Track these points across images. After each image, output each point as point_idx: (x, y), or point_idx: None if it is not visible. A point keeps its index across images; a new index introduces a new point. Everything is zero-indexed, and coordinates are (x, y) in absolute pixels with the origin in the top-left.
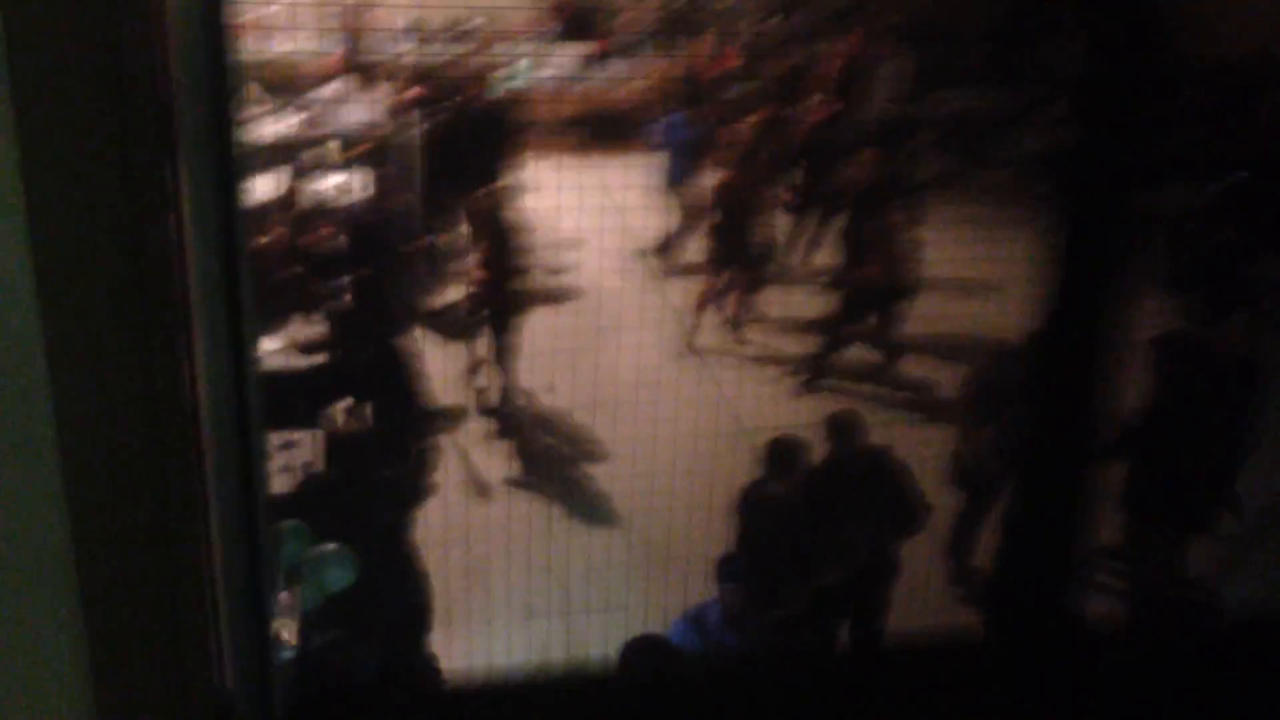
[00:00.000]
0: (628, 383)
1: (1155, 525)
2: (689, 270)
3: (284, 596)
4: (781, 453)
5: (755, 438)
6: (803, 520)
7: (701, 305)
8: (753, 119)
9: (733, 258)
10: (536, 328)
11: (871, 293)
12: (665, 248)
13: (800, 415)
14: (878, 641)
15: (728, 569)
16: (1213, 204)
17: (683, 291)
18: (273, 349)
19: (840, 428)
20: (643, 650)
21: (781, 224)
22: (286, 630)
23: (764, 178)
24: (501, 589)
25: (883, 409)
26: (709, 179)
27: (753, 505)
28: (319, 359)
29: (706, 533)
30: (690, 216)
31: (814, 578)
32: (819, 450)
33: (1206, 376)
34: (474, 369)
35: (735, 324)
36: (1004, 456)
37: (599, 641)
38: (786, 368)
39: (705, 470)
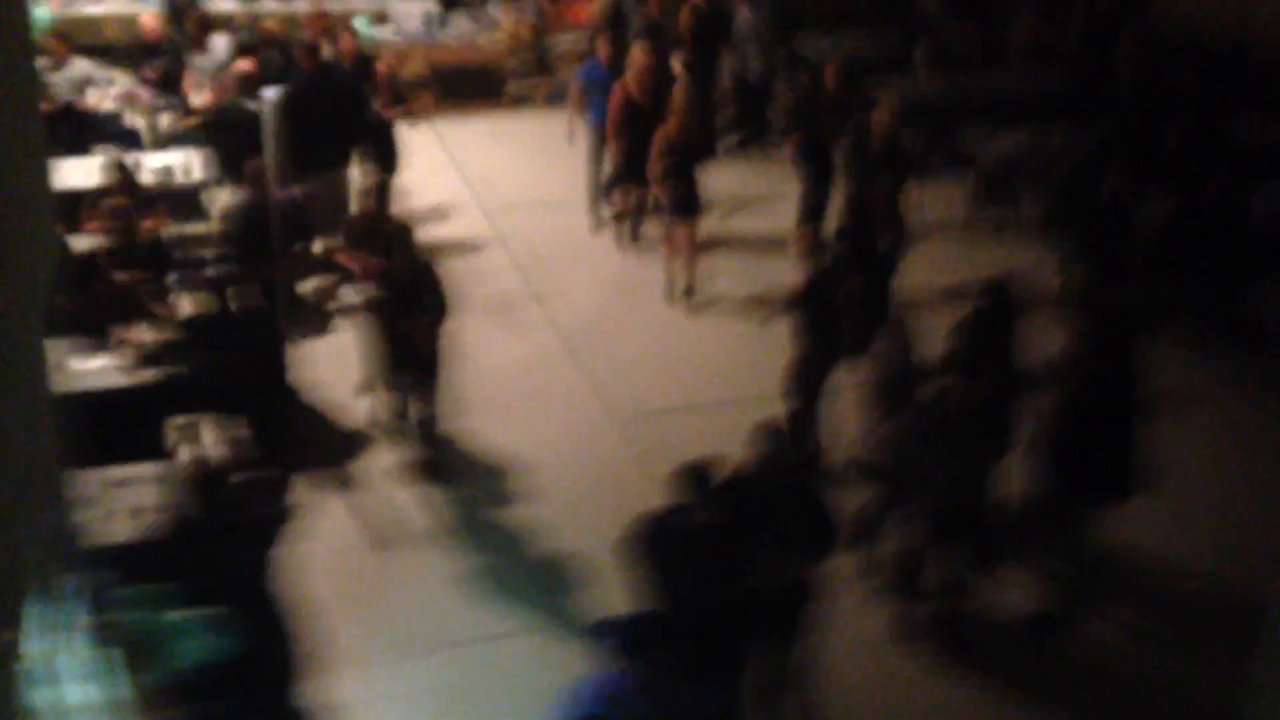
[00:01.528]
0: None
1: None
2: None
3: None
4: (695, 478)
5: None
6: (725, 551)
7: (669, 258)
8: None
9: (683, 208)
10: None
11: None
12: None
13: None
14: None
15: (625, 638)
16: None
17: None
18: (101, 363)
19: (759, 440)
20: None
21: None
22: None
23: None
24: (377, 623)
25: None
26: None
27: (663, 541)
28: (160, 372)
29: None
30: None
31: (736, 617)
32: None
33: None
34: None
35: (687, 290)
36: (910, 451)
37: (490, 677)
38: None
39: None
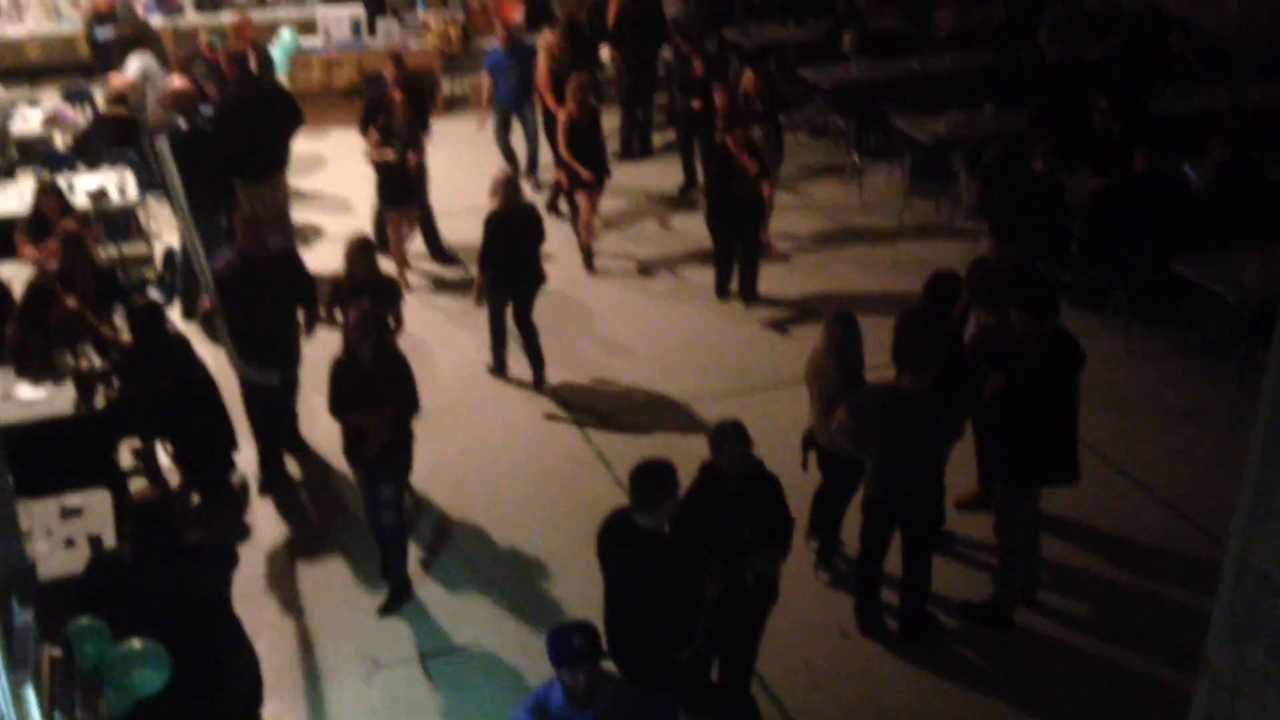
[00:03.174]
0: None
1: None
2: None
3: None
4: (650, 479)
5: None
6: (681, 559)
7: (586, 227)
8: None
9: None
10: None
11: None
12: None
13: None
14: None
15: (563, 651)
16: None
17: None
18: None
19: (728, 439)
20: None
21: None
22: None
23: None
24: (338, 643)
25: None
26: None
27: (619, 545)
28: (101, 397)
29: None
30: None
31: (691, 628)
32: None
33: None
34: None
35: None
36: (864, 438)
37: (456, 691)
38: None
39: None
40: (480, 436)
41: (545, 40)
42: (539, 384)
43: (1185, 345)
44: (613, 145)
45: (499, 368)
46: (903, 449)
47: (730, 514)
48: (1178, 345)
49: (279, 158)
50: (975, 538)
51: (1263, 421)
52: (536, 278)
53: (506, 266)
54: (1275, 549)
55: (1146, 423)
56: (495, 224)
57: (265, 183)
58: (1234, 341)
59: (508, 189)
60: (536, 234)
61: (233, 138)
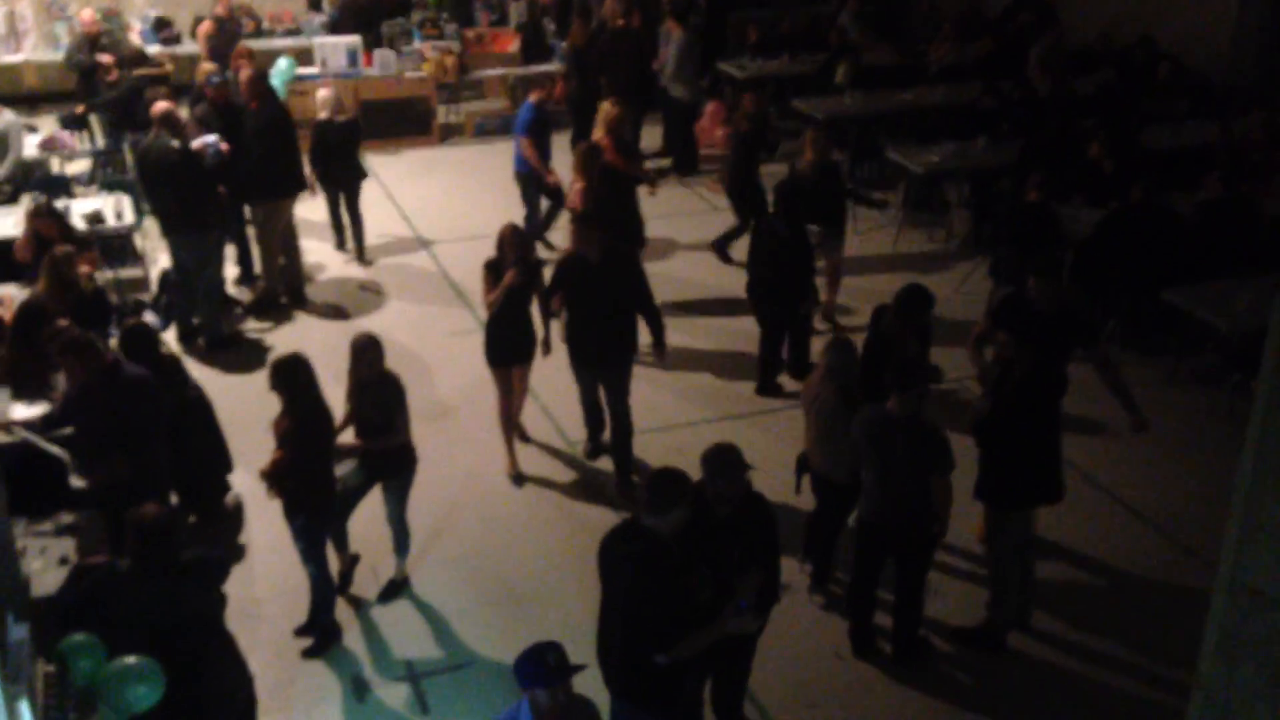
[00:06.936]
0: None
1: None
2: None
3: None
4: (667, 484)
5: None
6: (676, 564)
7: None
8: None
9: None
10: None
11: None
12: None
13: None
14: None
15: (538, 671)
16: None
17: None
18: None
19: (724, 463)
20: None
21: None
22: None
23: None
24: (332, 663)
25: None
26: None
27: (618, 542)
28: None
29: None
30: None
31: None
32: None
33: None
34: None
35: None
36: (859, 463)
37: (450, 711)
38: None
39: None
40: (476, 458)
41: (605, 112)
42: (360, 254)
43: (1177, 375)
44: None
45: (340, 244)
46: (890, 471)
47: (718, 537)
48: (1169, 374)
49: (301, 177)
50: (971, 563)
51: (1253, 437)
52: (357, 175)
53: (330, 166)
54: (1265, 564)
55: (1139, 450)
56: (319, 130)
57: (287, 201)
58: (1225, 371)
59: (335, 103)
60: (354, 139)
61: (266, 157)
